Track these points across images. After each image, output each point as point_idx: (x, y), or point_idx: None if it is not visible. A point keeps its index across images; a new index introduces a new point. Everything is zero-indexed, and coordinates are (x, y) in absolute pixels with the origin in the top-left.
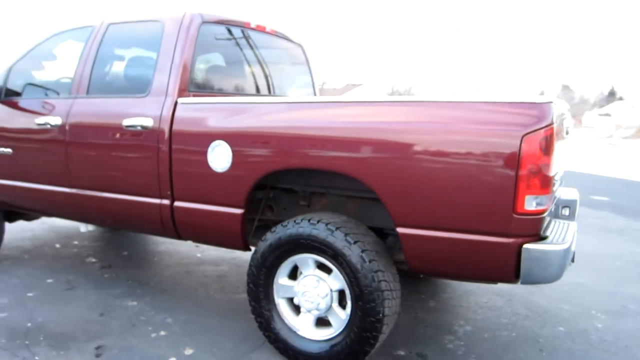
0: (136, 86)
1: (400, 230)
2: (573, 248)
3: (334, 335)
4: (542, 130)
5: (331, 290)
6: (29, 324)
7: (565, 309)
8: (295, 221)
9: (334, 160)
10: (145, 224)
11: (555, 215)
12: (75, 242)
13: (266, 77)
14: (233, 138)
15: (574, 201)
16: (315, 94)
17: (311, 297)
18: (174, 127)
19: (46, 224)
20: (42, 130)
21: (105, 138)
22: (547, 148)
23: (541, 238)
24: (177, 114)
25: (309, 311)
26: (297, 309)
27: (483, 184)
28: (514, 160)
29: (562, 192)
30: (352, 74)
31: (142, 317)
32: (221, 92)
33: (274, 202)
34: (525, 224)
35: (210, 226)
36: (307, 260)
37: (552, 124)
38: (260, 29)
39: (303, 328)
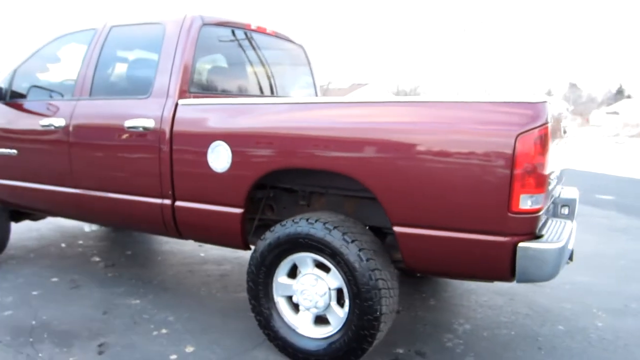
0: (138, 88)
1: (396, 229)
2: (570, 247)
3: (332, 333)
4: (537, 130)
5: (329, 288)
6: (34, 322)
7: (566, 307)
8: (293, 220)
9: (331, 160)
10: (147, 223)
11: (555, 214)
12: (80, 242)
13: (267, 78)
14: (232, 138)
15: (573, 200)
16: (316, 95)
17: (309, 296)
18: (175, 128)
19: (52, 223)
20: (46, 131)
21: (108, 139)
22: (541, 147)
23: (537, 237)
24: (177, 115)
25: (307, 309)
26: (296, 307)
27: (478, 183)
28: (508, 160)
29: (561, 191)
30: (358, 73)
31: (144, 315)
32: (222, 94)
33: (274, 201)
34: (520, 222)
35: (210, 225)
36: (305, 259)
37: (546, 123)
38: (261, 30)
39: (302, 326)
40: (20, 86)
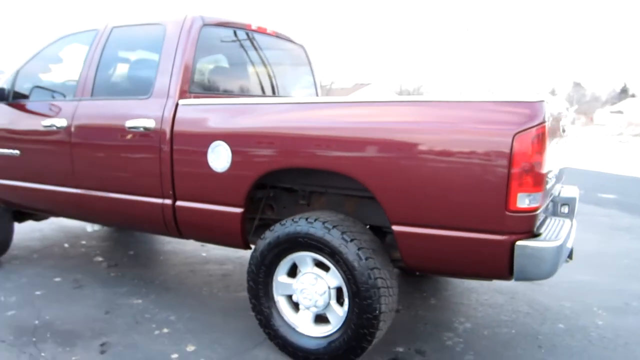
0: (139, 88)
1: (395, 228)
2: (569, 245)
3: (332, 332)
4: (534, 129)
5: (329, 287)
6: (37, 322)
7: (566, 306)
8: (293, 220)
9: (330, 160)
10: (148, 223)
11: (554, 212)
12: (84, 242)
13: (268, 78)
14: (232, 138)
15: (573, 199)
16: (317, 95)
17: (309, 295)
18: (175, 128)
19: (55, 224)
20: (48, 132)
21: (109, 139)
22: (539, 146)
23: (535, 235)
24: (178, 115)
25: (307, 308)
26: (296, 306)
27: (476, 182)
28: (505, 159)
29: (561, 189)
30: (361, 73)
31: (146, 314)
32: (223, 94)
33: (275, 201)
34: (518, 221)
35: (211, 225)
36: (305, 258)
37: (544, 122)
38: (262, 31)
39: (302, 325)
40: (22, 87)
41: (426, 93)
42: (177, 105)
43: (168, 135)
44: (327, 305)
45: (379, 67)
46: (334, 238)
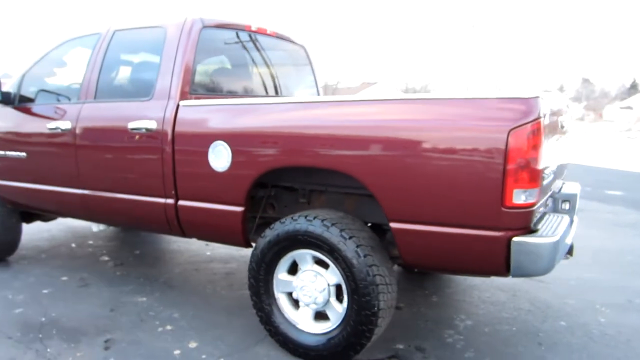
0: (140, 90)
1: (392, 225)
2: (568, 241)
3: (332, 328)
4: (529, 125)
5: (328, 284)
6: (43, 319)
7: (569, 303)
8: (292, 218)
9: (327, 158)
10: (151, 222)
11: (555, 209)
12: (90, 242)
13: (268, 78)
14: (232, 138)
15: (574, 195)
16: (318, 94)
17: (309, 292)
18: (177, 129)
19: (63, 224)
20: (53, 134)
21: (112, 140)
22: (534, 142)
23: (532, 231)
24: (179, 116)
25: (307, 305)
26: (296, 304)
27: (472, 179)
28: (501, 155)
29: (562, 186)
30: (368, 72)
31: (150, 312)
32: (223, 94)
33: (276, 200)
34: (514, 217)
35: (212, 224)
36: (305, 256)
37: (539, 118)
38: (262, 32)
39: (302, 322)
40: (28, 90)
41: (433, 91)
42: (178, 106)
43: (169, 136)
44: (327, 302)
45: (386, 66)
46: (333, 235)
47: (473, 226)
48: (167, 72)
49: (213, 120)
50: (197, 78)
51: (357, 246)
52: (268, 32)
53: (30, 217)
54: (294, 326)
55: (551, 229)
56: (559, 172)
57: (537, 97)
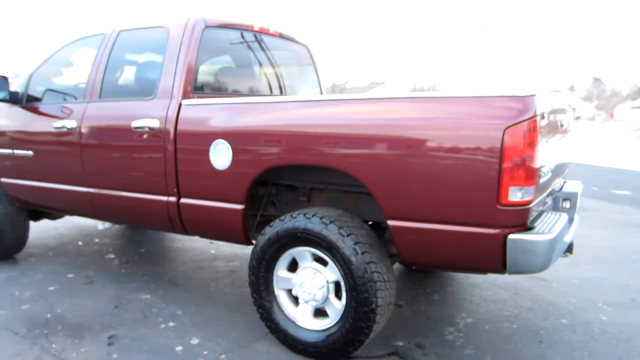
0: (144, 89)
1: (390, 222)
2: (567, 239)
3: (330, 325)
4: (525, 123)
5: (327, 281)
6: (49, 315)
7: (571, 302)
8: (291, 216)
9: (325, 156)
10: (154, 220)
11: (555, 207)
12: (97, 240)
13: (271, 78)
14: (232, 137)
15: (575, 194)
16: (322, 94)
17: (308, 289)
18: (179, 127)
19: (70, 222)
20: (60, 133)
21: (116, 139)
22: (530, 140)
23: (528, 228)
24: (181, 115)
25: (306, 302)
26: (296, 301)
27: (468, 176)
28: (496, 153)
29: (563, 184)
30: (376, 72)
31: (154, 309)
32: (225, 94)
33: (276, 198)
34: (510, 214)
35: (214, 222)
36: (304, 253)
37: (535, 116)
38: (264, 31)
39: (302, 318)
40: (35, 90)
41: (441, 90)
42: (180, 105)
43: (172, 135)
44: (326, 299)
45: (394, 66)
46: (331, 233)
47: (469, 223)
48: (169, 72)
49: (214, 119)
50: (200, 77)
51: (355, 243)
52: (271, 31)
53: (37, 215)
54: (293, 323)
55: (548, 227)
56: (558, 171)
57: (534, 95)
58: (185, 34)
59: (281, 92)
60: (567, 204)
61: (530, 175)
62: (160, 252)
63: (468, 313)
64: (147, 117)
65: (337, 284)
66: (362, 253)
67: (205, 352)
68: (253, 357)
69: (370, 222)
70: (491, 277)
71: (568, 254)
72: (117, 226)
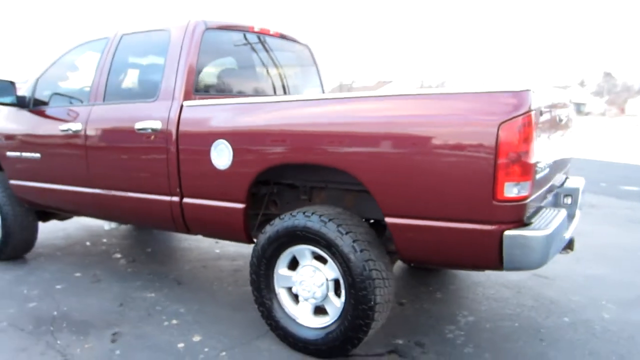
0: (146, 91)
1: (388, 220)
2: (567, 236)
3: (330, 323)
4: (520, 118)
5: (327, 279)
6: (55, 313)
7: (573, 300)
8: (291, 214)
9: (323, 155)
10: (158, 220)
11: (556, 203)
12: (104, 240)
13: (272, 78)
14: (232, 137)
15: (576, 189)
16: (324, 93)
17: (308, 286)
18: (180, 128)
19: (79, 223)
20: (65, 135)
21: (120, 141)
22: (525, 135)
23: (525, 224)
24: (183, 116)
25: (306, 300)
26: (296, 298)
27: (463, 172)
28: (491, 148)
29: (564, 180)
30: (384, 70)
31: (157, 307)
32: (227, 95)
33: (278, 197)
34: (506, 210)
35: (216, 221)
36: (304, 251)
37: (529, 111)
38: (265, 32)
39: (302, 316)
40: (42, 94)
41: (448, 87)
42: (181, 106)
43: (174, 136)
44: (325, 296)
45: (402, 64)
46: (330, 231)
47: (466, 220)
48: (171, 74)
49: (214, 120)
50: (201, 79)
51: (354, 241)
52: (271, 32)
53: (46, 216)
54: (293, 320)
55: (545, 223)
56: (558, 166)
57: (528, 90)
58: (186, 36)
59: (284, 92)
60: (569, 200)
61: (526, 170)
62: (166, 252)
63: (470, 311)
64: (150, 118)
65: (336, 282)
66: (361, 251)
67: (206, 349)
68: (254, 355)
69: (371, 221)
70: (494, 275)
71: (569, 250)
72: (124, 227)
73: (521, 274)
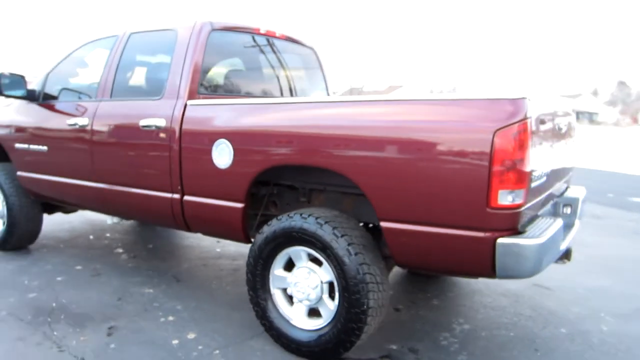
0: (152, 89)
1: (382, 224)
2: (563, 245)
3: (323, 325)
4: (515, 126)
5: (321, 281)
6: (54, 304)
7: (572, 311)
8: (288, 215)
9: (321, 157)
10: (158, 216)
11: (555, 213)
12: (108, 235)
13: (277, 80)
14: (233, 137)
15: (576, 199)
16: (328, 96)
17: (302, 288)
18: (184, 127)
19: (84, 217)
20: (72, 130)
21: (125, 137)
22: (520, 143)
23: (519, 232)
24: (186, 114)
25: (300, 301)
26: (291, 300)
27: (458, 179)
28: (486, 155)
29: (565, 190)
30: (395, 75)
31: (155, 303)
32: (231, 95)
33: (278, 198)
34: (499, 218)
35: (215, 219)
36: (299, 253)
37: (525, 119)
38: (270, 34)
39: (296, 318)
40: (51, 89)
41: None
42: (185, 105)
43: (177, 134)
44: (320, 299)
45: (414, 68)
46: (326, 233)
47: (460, 226)
48: (176, 73)
49: (217, 119)
50: (206, 78)
51: (349, 244)
52: (277, 34)
53: (51, 209)
54: (287, 322)
55: (539, 231)
56: (557, 175)
57: (524, 98)
58: (192, 36)
59: (291, 94)
60: (568, 210)
61: (520, 178)
62: (168, 249)
63: (465, 319)
64: (155, 116)
65: (331, 285)
66: (355, 254)
67: (200, 347)
68: (247, 354)
69: (370, 225)
70: (492, 284)
71: (565, 260)
72: (127, 222)
73: (520, 283)
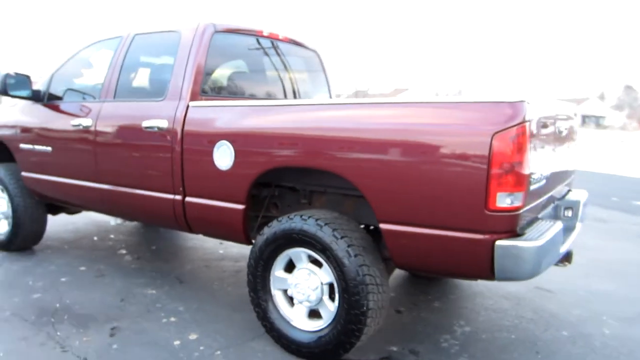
0: (155, 91)
1: (382, 226)
2: (563, 248)
3: (323, 326)
4: (514, 129)
5: (322, 283)
6: (58, 305)
7: (574, 314)
8: (289, 217)
9: (321, 159)
10: (160, 217)
11: (556, 216)
12: (112, 236)
13: (279, 82)
14: (234, 138)
15: (577, 202)
16: (331, 98)
17: (302, 289)
18: (185, 128)
19: (88, 218)
20: (76, 130)
21: (128, 138)
22: (519, 146)
23: (518, 235)
24: (188, 116)
25: (300, 302)
26: (292, 301)
27: (457, 181)
28: (484, 158)
29: (565, 192)
30: (401, 78)
31: (157, 304)
32: (233, 97)
33: (279, 199)
34: (498, 220)
35: (216, 221)
36: (300, 254)
37: (524, 122)
38: (273, 37)
39: (296, 319)
40: (56, 89)
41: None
42: (187, 107)
43: (179, 135)
44: (320, 300)
45: (419, 72)
46: (326, 235)
47: (458, 229)
48: (179, 74)
49: (218, 121)
50: (208, 80)
51: (349, 246)
52: (280, 37)
53: (55, 210)
54: (288, 323)
55: (538, 234)
56: (558, 178)
57: (523, 101)
58: (195, 38)
59: (294, 97)
60: (569, 213)
61: (519, 181)
62: (171, 250)
63: (467, 321)
64: (157, 117)
65: (331, 286)
66: (355, 255)
67: (201, 348)
68: (248, 355)
69: (371, 227)
70: (494, 286)
71: (566, 263)
72: (131, 223)
73: (521, 286)
